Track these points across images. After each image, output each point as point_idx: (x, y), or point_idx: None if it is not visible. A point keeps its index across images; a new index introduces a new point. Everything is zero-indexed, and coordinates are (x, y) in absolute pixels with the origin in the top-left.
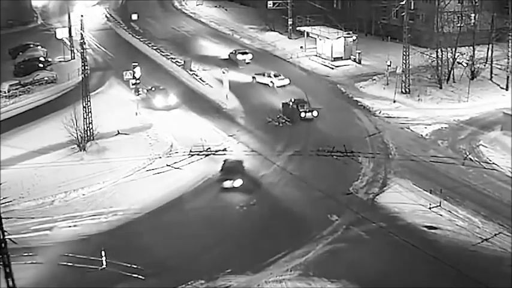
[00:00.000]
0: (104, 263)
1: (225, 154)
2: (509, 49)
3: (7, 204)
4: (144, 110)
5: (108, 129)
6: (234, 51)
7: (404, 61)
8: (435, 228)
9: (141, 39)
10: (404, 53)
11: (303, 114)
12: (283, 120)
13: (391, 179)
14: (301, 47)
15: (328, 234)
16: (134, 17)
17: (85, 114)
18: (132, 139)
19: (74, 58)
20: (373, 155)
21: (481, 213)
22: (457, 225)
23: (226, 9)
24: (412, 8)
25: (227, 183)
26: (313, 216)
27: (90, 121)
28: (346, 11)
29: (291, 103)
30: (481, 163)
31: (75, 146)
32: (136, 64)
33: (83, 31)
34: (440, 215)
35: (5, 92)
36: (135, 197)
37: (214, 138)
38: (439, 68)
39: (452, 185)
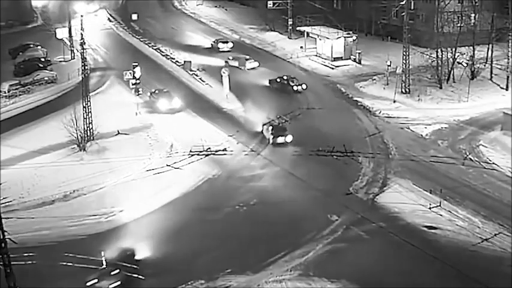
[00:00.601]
0: (104, 263)
1: (225, 154)
2: (509, 49)
3: (7, 204)
4: (148, 113)
5: (108, 129)
6: (215, 40)
7: (404, 61)
8: (435, 228)
9: (141, 39)
10: (404, 53)
11: (295, 88)
12: (283, 121)
13: (391, 179)
14: (301, 47)
15: (328, 234)
16: (134, 17)
17: (85, 114)
18: (132, 139)
19: (74, 58)
20: (373, 155)
21: (481, 213)
22: (457, 225)
23: (226, 9)
24: (412, 8)
25: (281, 139)
26: (313, 216)
27: (90, 121)
28: (346, 11)
29: (280, 79)
30: (481, 163)
31: (75, 146)
32: (136, 64)
33: (83, 31)
34: (440, 215)
35: (5, 92)
36: (135, 197)
37: (214, 137)
38: (439, 68)
39: (452, 185)
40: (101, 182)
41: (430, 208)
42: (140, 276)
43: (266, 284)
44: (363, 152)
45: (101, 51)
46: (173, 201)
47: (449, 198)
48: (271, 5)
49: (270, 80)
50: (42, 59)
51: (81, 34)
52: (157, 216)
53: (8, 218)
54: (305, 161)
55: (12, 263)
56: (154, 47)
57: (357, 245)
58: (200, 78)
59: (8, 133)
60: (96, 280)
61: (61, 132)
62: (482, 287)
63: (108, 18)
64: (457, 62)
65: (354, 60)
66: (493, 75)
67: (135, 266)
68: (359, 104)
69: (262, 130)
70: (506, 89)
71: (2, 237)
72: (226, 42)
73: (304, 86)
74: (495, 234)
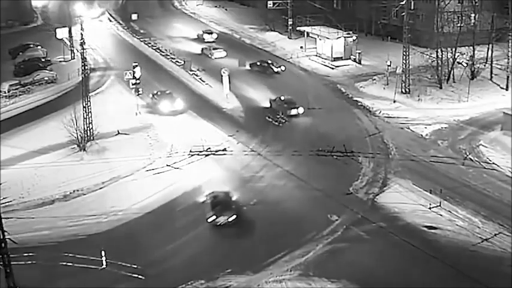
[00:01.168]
0: (104, 263)
1: (225, 154)
2: (509, 49)
3: (7, 204)
4: (148, 113)
5: (108, 129)
6: (202, 32)
7: (404, 61)
8: (435, 228)
9: (141, 39)
10: (404, 53)
11: (275, 69)
12: (283, 121)
13: (391, 179)
14: (301, 47)
15: (328, 234)
16: (134, 17)
17: (85, 114)
18: (132, 139)
19: (74, 58)
20: (373, 155)
21: (481, 213)
22: (457, 225)
23: (226, 9)
24: (412, 8)
25: (294, 111)
26: (313, 216)
27: (90, 121)
28: (346, 11)
29: (260, 62)
30: (481, 163)
31: (75, 146)
32: (137, 64)
33: (83, 31)
34: (440, 215)
35: (5, 92)
36: (135, 197)
37: (214, 137)
38: (439, 68)
39: (452, 185)
40: (101, 182)
41: (430, 208)
42: (140, 276)
43: (266, 284)
44: (363, 152)
45: (105, 55)
46: (173, 201)
47: (449, 198)
48: (271, 5)
49: (250, 64)
50: (42, 59)
51: (81, 34)
52: (157, 216)
53: (8, 218)
54: (305, 161)
55: (12, 263)
56: (154, 47)
57: (357, 245)
58: (200, 78)
59: (8, 133)
60: (214, 217)
61: (61, 132)
62: (482, 287)
63: (108, 18)
64: (457, 62)
65: (354, 60)
66: (493, 75)
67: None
68: (359, 104)
69: (271, 105)
70: (506, 89)
71: (2, 237)
72: (211, 33)
73: (283, 68)
74: (495, 234)
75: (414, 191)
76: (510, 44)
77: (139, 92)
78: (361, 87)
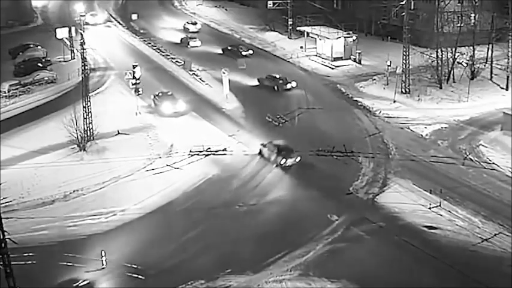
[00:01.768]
0: (104, 263)
1: (225, 154)
2: (509, 49)
3: (7, 204)
4: (148, 113)
5: (108, 129)
6: (186, 23)
7: (404, 61)
8: (435, 228)
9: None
10: (404, 53)
11: (243, 53)
12: (283, 121)
13: (391, 179)
14: (301, 47)
15: (328, 234)
16: (134, 17)
17: (85, 114)
18: (132, 139)
19: (74, 58)
20: (373, 155)
21: (481, 213)
22: (457, 225)
23: (226, 9)
24: (412, 8)
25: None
26: (313, 216)
27: (90, 121)
28: (346, 11)
29: (230, 47)
30: (481, 163)
31: (75, 146)
32: (136, 64)
33: (83, 31)
34: (440, 215)
35: (5, 92)
36: (135, 197)
37: (214, 137)
38: (439, 68)
39: (452, 185)
40: (101, 182)
41: (430, 208)
42: (140, 277)
43: (266, 284)
44: (363, 152)
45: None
46: (173, 201)
47: (449, 198)
48: (271, 5)
49: (223, 49)
50: (42, 59)
51: (81, 34)
52: (156, 216)
53: (8, 218)
54: (305, 161)
55: (12, 263)
56: (154, 47)
57: (357, 245)
58: (200, 78)
59: (8, 133)
60: (284, 160)
61: (61, 132)
62: (482, 287)
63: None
64: (457, 62)
65: (354, 60)
66: (493, 75)
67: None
68: (359, 104)
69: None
70: (506, 89)
71: (2, 237)
72: (195, 24)
73: (251, 52)
74: (495, 234)
75: (414, 191)
76: (510, 44)
77: (139, 92)
78: (361, 87)
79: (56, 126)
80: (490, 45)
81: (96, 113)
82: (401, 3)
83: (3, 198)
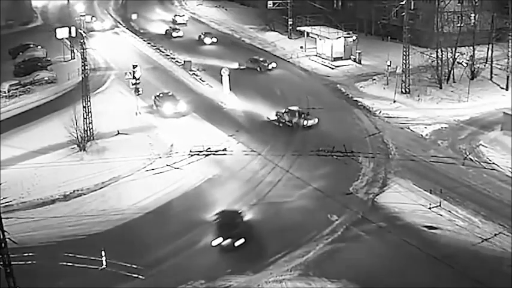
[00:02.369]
0: (104, 263)
1: (225, 154)
2: (509, 49)
3: (7, 204)
4: (148, 113)
5: (108, 129)
6: (174, 15)
7: (404, 61)
8: (435, 228)
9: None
10: (404, 53)
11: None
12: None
13: (391, 179)
14: (301, 47)
15: (328, 234)
16: (134, 16)
17: (85, 114)
18: (132, 139)
19: (74, 58)
20: (373, 155)
21: (481, 213)
22: (457, 225)
23: (226, 9)
24: (412, 8)
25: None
26: (313, 216)
27: (90, 121)
28: (346, 11)
29: (202, 35)
30: (481, 163)
31: (75, 146)
32: (136, 64)
33: (83, 31)
34: (440, 215)
35: (5, 92)
36: (135, 197)
37: (214, 137)
38: (439, 68)
39: (452, 185)
40: (101, 182)
41: (430, 208)
42: (140, 276)
43: (266, 284)
44: (363, 152)
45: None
46: (173, 201)
47: (449, 198)
48: (271, 5)
49: (199, 36)
50: (42, 59)
51: (81, 34)
52: (156, 216)
53: (8, 218)
54: (305, 161)
55: (12, 263)
56: (154, 47)
57: (357, 245)
58: (200, 78)
59: (8, 133)
60: (306, 121)
61: (61, 132)
62: (482, 287)
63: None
64: (457, 62)
65: (354, 60)
66: (493, 75)
67: None
68: (359, 104)
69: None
70: (506, 89)
71: (2, 237)
72: (183, 16)
73: (214, 39)
74: (495, 234)
75: (414, 191)
76: (510, 44)
77: (139, 92)
78: (361, 87)
79: (56, 126)
80: (490, 45)
81: (96, 113)
82: (401, 3)
83: (3, 198)
